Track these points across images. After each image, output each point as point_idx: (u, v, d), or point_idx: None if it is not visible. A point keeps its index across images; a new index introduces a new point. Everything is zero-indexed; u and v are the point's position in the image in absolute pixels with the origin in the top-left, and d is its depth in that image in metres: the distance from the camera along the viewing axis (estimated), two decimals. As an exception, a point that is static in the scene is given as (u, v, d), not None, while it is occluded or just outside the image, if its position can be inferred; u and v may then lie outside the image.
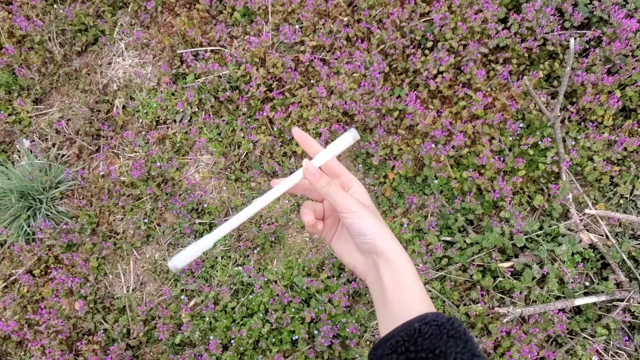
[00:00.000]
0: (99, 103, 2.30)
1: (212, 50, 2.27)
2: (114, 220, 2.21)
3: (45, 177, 2.18)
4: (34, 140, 2.32)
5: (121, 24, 2.39)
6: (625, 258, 1.91)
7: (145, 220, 2.15)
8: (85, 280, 2.12)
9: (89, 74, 2.35)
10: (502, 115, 2.07)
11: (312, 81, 2.22)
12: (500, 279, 1.95)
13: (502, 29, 2.11)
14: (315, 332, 1.93)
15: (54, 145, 2.30)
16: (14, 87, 2.33)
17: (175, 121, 2.26)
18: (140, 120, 2.27)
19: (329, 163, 0.68)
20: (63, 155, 2.29)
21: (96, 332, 2.05)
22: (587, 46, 2.16)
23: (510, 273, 1.95)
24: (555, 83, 2.19)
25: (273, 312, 1.95)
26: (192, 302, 2.07)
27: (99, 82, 2.33)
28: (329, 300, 1.96)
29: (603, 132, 2.07)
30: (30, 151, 2.27)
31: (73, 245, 2.17)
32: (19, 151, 2.31)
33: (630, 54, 2.09)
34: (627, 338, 1.87)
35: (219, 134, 2.23)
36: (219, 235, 0.62)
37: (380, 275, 0.63)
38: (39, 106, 2.36)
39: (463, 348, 0.55)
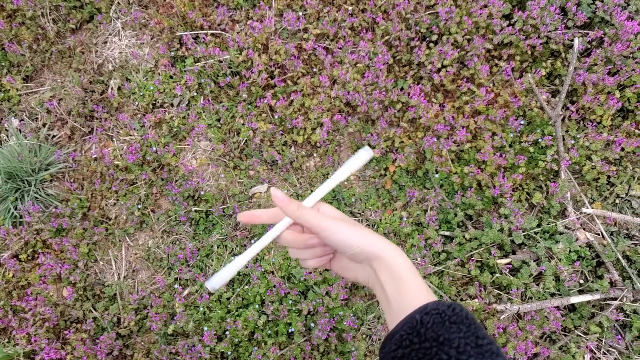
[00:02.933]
0: (93, 83, 2.22)
1: (212, 34, 2.21)
2: (106, 205, 2.14)
3: (35, 159, 2.09)
4: (23, 120, 2.22)
5: (118, 2, 2.30)
6: (619, 257, 1.94)
7: (139, 206, 2.09)
8: (75, 267, 2.05)
9: (83, 52, 2.27)
10: (505, 111, 2.07)
11: (314, 70, 2.18)
12: (497, 275, 1.95)
13: (507, 26, 2.11)
14: (312, 324, 1.90)
15: (44, 125, 2.21)
16: (3, 64, 2.23)
17: (172, 105, 2.20)
18: (136, 103, 2.20)
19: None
20: (54, 136, 2.21)
21: (85, 320, 1.99)
22: (589, 46, 2.18)
23: (508, 269, 1.95)
24: (556, 81, 2.20)
25: (269, 303, 1.92)
26: (186, 292, 2.02)
27: (94, 61, 2.25)
28: (327, 293, 1.94)
29: (602, 132, 2.09)
30: (19, 131, 2.18)
31: (62, 230, 2.10)
32: (7, 130, 2.22)
33: (631, 55, 2.11)
34: (619, 336, 1.90)
35: (218, 120, 2.17)
36: (252, 254, 0.67)
37: (378, 276, 0.64)
38: (29, 84, 2.27)
39: (466, 332, 0.54)
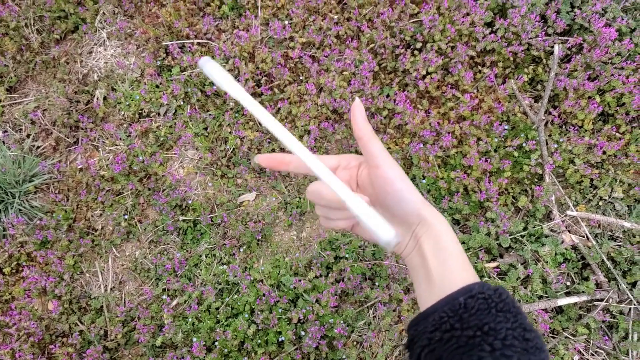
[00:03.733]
0: (78, 93, 2.20)
1: (199, 43, 2.22)
2: (92, 216, 2.11)
3: (19, 170, 2.06)
4: (6, 131, 2.19)
5: (103, 13, 2.30)
6: (604, 259, 1.97)
7: (126, 217, 2.07)
8: (60, 279, 2.02)
9: (68, 62, 2.25)
10: (489, 117, 2.10)
11: (301, 78, 2.19)
12: (486, 278, 1.97)
13: (489, 33, 2.15)
14: (303, 333, 1.89)
15: (28, 136, 2.18)
16: (-15, 75, 2.21)
17: (159, 114, 2.19)
18: (122, 113, 2.19)
19: (370, 142, 0.58)
20: (38, 147, 2.18)
21: (71, 334, 1.95)
22: (569, 52, 2.23)
23: (496, 273, 1.97)
24: (538, 87, 2.25)
25: (259, 312, 1.90)
26: (174, 302, 2.00)
27: (79, 71, 2.23)
28: (317, 301, 1.93)
29: (583, 136, 2.13)
30: (3, 142, 2.15)
31: (47, 242, 2.06)
32: (-11, 142, 2.18)
33: (609, 61, 2.17)
34: (606, 337, 1.92)
35: (205, 129, 2.17)
36: (245, 99, 0.54)
37: (420, 244, 0.56)
38: (12, 95, 2.24)
39: (513, 323, 0.49)
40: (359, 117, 0.56)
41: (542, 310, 1.91)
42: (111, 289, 2.05)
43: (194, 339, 1.89)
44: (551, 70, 2.11)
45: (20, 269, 2.02)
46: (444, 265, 0.54)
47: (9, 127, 2.20)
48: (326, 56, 2.15)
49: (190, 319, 1.94)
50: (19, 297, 1.99)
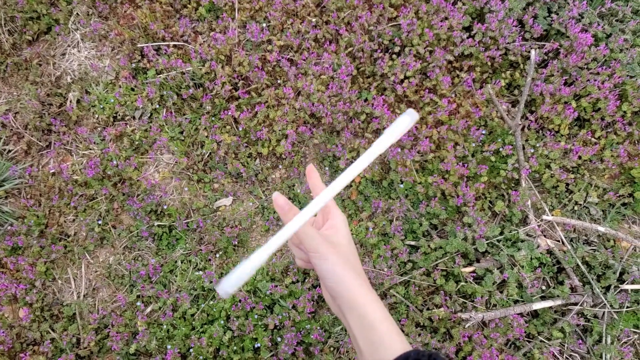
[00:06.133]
0: (50, 96, 2.16)
1: (175, 46, 2.18)
2: (64, 222, 2.07)
3: (-12, 175, 2.01)
4: (-25, 135, 2.14)
5: (77, 14, 2.25)
6: (579, 263, 1.98)
7: (100, 222, 2.04)
8: (32, 286, 1.97)
9: (40, 64, 2.20)
10: (466, 121, 2.10)
11: (279, 81, 2.17)
12: (462, 283, 1.97)
13: (467, 37, 2.15)
14: (279, 339, 1.88)
15: (-2, 140, 2.13)
16: (-46, 76, 2.15)
17: (134, 118, 2.16)
18: (96, 116, 2.15)
19: (317, 188, 0.66)
20: (9, 151, 2.13)
21: (42, 342, 1.91)
22: (546, 57, 2.24)
23: (472, 278, 1.98)
24: (515, 92, 2.26)
25: (235, 318, 1.89)
26: (148, 309, 1.97)
27: (51, 73, 2.18)
28: (293, 307, 1.92)
29: (560, 141, 2.15)
30: (-28, 146, 2.10)
31: (18, 248, 2.02)
32: (-42, 146, 2.13)
33: (586, 66, 2.19)
34: (580, 341, 1.94)
35: (181, 133, 2.14)
36: (273, 249, 0.56)
37: (347, 322, 0.60)
38: (-18, 98, 2.19)
39: None
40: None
41: (518, 314, 1.92)
42: (84, 295, 2.01)
43: (169, 346, 1.86)
44: (528, 75, 2.12)
45: (-10, 276, 1.98)
46: (372, 343, 0.58)
47: (-21, 130, 2.15)
48: (304, 60, 2.14)
49: (165, 326, 1.91)
50: (-11, 304, 1.94)
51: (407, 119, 0.57)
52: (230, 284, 0.54)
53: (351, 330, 0.60)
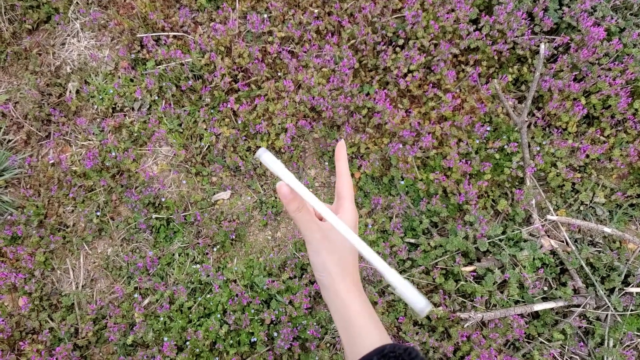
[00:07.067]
0: (50, 86, 2.15)
1: (174, 36, 2.15)
2: (63, 212, 2.08)
3: (-12, 164, 2.02)
4: (-24, 124, 2.14)
5: (77, 3, 2.23)
6: (583, 264, 1.94)
7: (98, 213, 2.03)
8: (31, 276, 1.99)
9: (40, 54, 2.19)
10: (471, 117, 2.05)
11: (279, 74, 2.14)
12: (462, 282, 1.94)
13: (474, 30, 2.09)
14: (275, 334, 1.87)
15: (-2, 129, 2.13)
16: (-46, 65, 2.15)
17: (133, 109, 2.14)
18: (95, 107, 2.13)
19: (342, 180, 0.69)
20: (9, 141, 2.13)
21: (41, 331, 1.93)
22: (556, 52, 2.17)
23: (472, 277, 1.94)
24: (522, 87, 2.19)
25: (231, 312, 1.88)
26: (146, 301, 1.98)
27: (51, 63, 2.17)
28: (290, 302, 1.91)
29: (567, 139, 2.09)
30: (-28, 135, 2.10)
31: (18, 238, 2.03)
32: (-41, 135, 2.13)
33: (597, 62, 2.11)
34: (581, 343, 1.90)
35: (180, 125, 2.12)
36: (294, 179, 0.60)
37: (332, 315, 0.64)
38: (-18, 87, 2.19)
39: None
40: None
41: (518, 315, 1.89)
42: (82, 286, 2.02)
43: (165, 338, 1.86)
44: (536, 70, 2.06)
45: (-10, 265, 1.99)
46: (350, 335, 0.61)
47: (-21, 119, 2.15)
48: (305, 52, 2.09)
49: (161, 318, 1.91)
50: (-12, 293, 1.96)
51: (423, 303, 0.55)
52: (269, 157, 0.58)
53: (335, 323, 0.63)
